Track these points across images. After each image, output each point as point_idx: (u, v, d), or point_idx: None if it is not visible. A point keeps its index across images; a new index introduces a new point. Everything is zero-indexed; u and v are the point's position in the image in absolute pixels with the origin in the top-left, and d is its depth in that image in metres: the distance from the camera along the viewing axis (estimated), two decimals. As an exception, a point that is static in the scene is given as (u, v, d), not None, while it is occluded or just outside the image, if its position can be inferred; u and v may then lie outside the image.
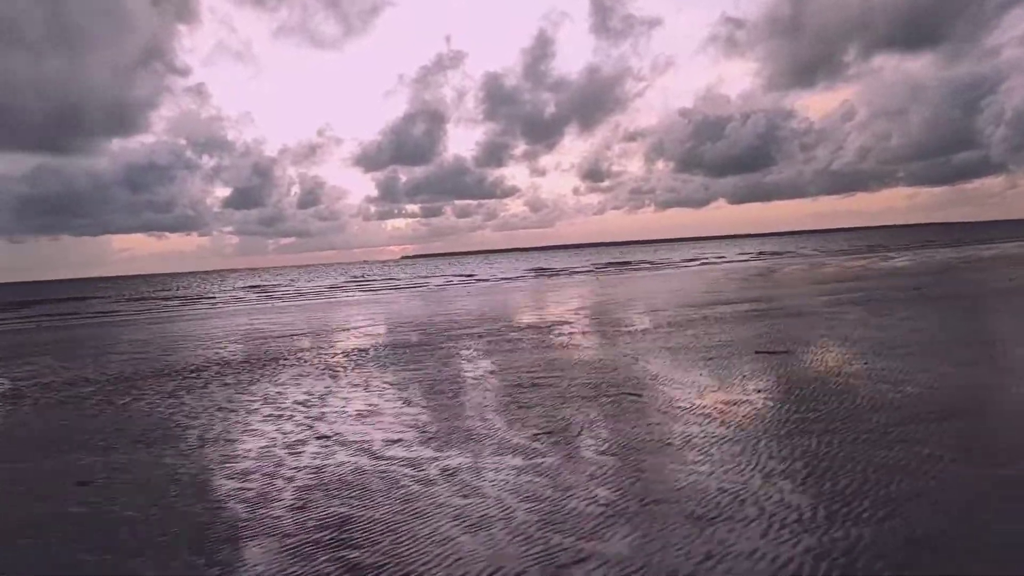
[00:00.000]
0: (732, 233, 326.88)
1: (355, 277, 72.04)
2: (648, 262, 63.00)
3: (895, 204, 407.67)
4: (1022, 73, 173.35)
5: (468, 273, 63.40)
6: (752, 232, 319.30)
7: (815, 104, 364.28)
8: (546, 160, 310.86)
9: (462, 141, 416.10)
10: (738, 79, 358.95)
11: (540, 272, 55.13)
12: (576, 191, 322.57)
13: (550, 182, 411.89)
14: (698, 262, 55.15)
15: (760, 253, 68.42)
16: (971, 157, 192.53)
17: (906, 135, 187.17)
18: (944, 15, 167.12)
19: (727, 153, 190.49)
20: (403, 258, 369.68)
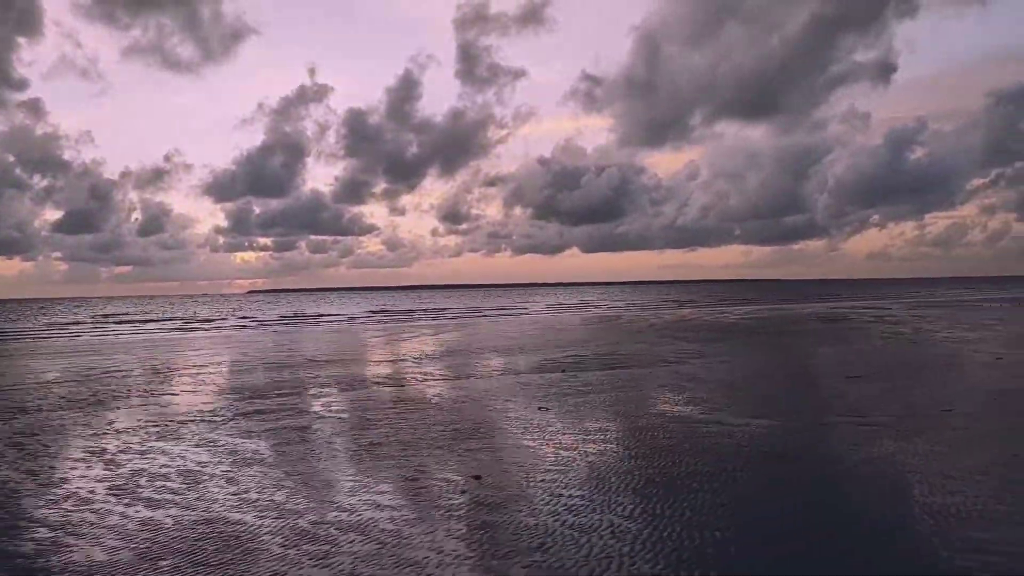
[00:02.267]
0: (584, 280, 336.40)
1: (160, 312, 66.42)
2: (503, 309, 61.81)
3: (733, 260, 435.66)
4: (843, 147, 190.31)
5: (302, 312, 59.78)
6: (603, 280, 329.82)
7: (664, 162, 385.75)
8: (406, 200, 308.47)
9: (321, 176, 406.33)
10: (595, 133, 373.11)
11: (380, 312, 52.73)
12: (435, 232, 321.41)
13: (409, 222, 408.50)
14: (547, 308, 54.79)
15: (576, 301, 69.60)
16: (799, 220, 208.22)
17: (743, 196, 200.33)
18: (779, 90, 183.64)
19: (582, 203, 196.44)
20: (250, 292, 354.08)
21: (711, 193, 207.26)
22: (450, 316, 46.12)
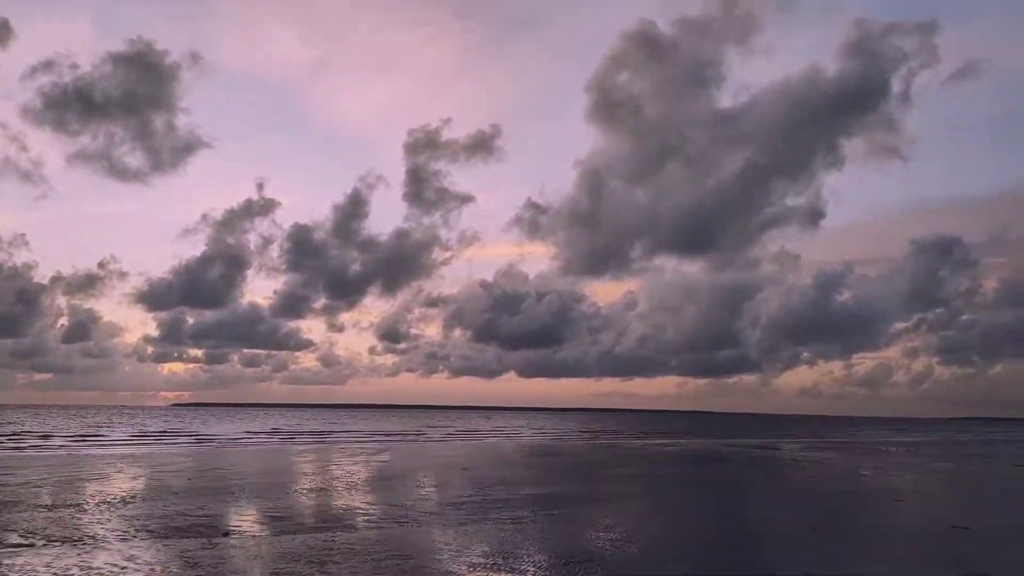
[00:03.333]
0: (521, 405, 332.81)
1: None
2: (401, 434, 59.09)
3: (668, 390, 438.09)
4: (775, 285, 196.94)
5: (187, 429, 56.10)
6: (539, 406, 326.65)
7: (603, 292, 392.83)
8: (346, 317, 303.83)
9: (261, 289, 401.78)
10: (538, 260, 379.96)
11: (268, 433, 49.63)
12: (372, 350, 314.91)
13: (347, 339, 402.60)
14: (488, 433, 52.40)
15: (490, 428, 67.56)
16: (733, 354, 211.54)
17: (679, 329, 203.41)
18: (716, 228, 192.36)
19: (522, 328, 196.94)
20: (174, 405, 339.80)
21: (649, 324, 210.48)
22: (330, 440, 43.54)
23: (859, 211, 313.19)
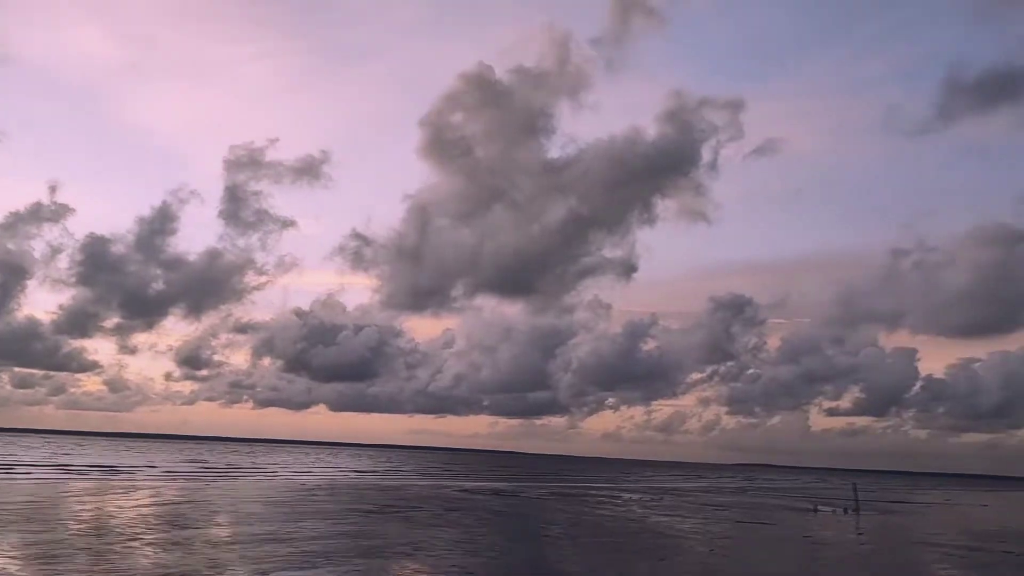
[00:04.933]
0: (328, 440, 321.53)
1: None
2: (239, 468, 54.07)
3: (479, 430, 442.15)
4: (588, 332, 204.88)
5: None
6: (348, 441, 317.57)
7: (422, 328, 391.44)
8: (141, 338, 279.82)
9: (43, 303, 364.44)
10: (358, 292, 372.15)
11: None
12: (169, 376, 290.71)
13: (140, 362, 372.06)
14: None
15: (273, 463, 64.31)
16: (543, 397, 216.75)
17: (495, 369, 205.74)
18: (536, 273, 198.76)
19: (336, 360, 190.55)
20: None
21: (465, 362, 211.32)
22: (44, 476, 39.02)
23: (667, 267, 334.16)
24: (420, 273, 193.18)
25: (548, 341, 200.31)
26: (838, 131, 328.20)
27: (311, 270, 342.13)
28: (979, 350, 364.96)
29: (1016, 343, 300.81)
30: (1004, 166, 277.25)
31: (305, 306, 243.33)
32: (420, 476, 61.08)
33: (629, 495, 43.60)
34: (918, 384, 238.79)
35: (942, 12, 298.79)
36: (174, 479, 40.56)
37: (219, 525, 19.48)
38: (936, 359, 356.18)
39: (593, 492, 46.32)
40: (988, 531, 29.70)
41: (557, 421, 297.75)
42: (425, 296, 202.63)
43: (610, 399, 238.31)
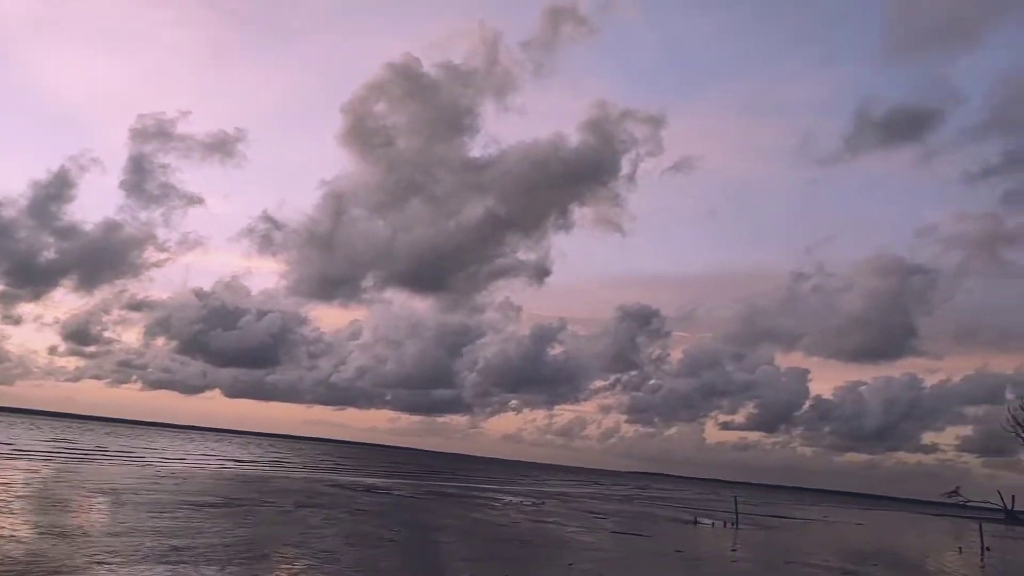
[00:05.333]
0: (221, 427, 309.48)
1: None
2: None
3: (379, 424, 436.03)
4: (496, 333, 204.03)
5: None
6: (243, 429, 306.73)
7: (328, 317, 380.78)
8: (27, 308, 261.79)
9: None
10: (265, 276, 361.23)
11: None
12: (53, 350, 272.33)
13: (24, 334, 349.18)
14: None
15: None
16: (447, 394, 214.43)
17: (400, 363, 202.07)
18: (449, 270, 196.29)
19: (236, 345, 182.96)
20: None
21: (370, 355, 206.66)
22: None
23: (579, 273, 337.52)
24: (331, 261, 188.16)
25: (456, 339, 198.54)
26: (753, 154, 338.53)
27: (216, 250, 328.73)
28: (866, 374, 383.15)
29: (900, 370, 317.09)
30: (903, 201, 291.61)
31: (207, 287, 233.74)
32: (302, 468, 58.19)
33: (512, 498, 41.97)
34: (808, 403, 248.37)
35: (858, 50, 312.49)
36: (17, 459, 36.52)
37: (10, 513, 16.57)
38: (826, 380, 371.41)
39: (476, 493, 44.51)
40: (862, 551, 29.31)
41: (459, 420, 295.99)
42: (334, 285, 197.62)
43: (513, 401, 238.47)
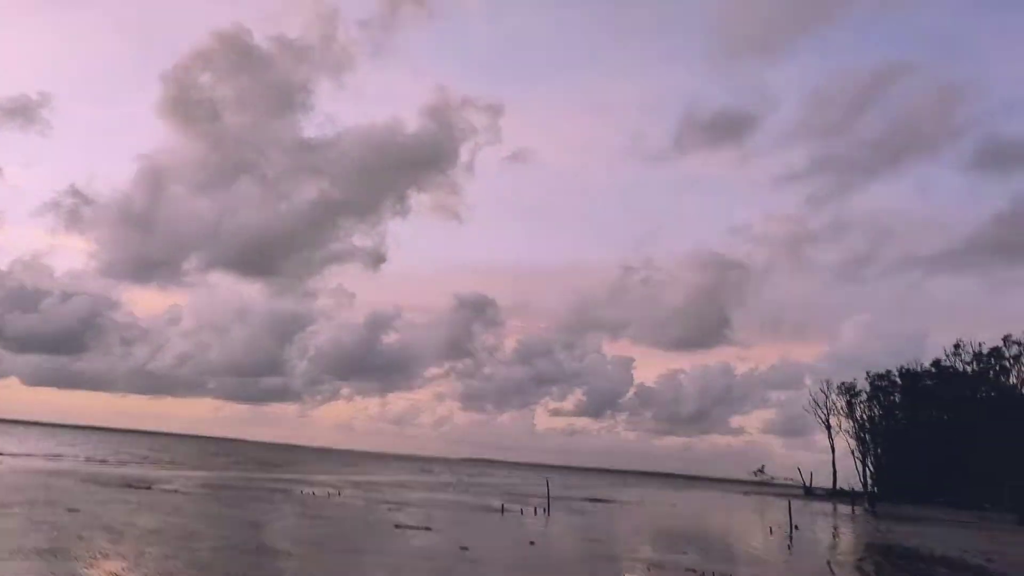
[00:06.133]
0: (17, 417, 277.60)
1: None
2: None
3: (202, 414, 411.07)
4: (329, 320, 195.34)
5: None
6: (43, 420, 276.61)
7: (145, 301, 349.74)
8: None
9: None
10: (72, 255, 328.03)
11: None
12: None
13: None
14: None
15: None
16: (276, 382, 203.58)
17: (225, 351, 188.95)
18: (280, 255, 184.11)
19: (36, 329, 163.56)
20: None
21: (192, 342, 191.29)
22: None
23: (416, 261, 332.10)
24: (147, 242, 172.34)
25: (286, 326, 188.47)
26: (587, 148, 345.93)
27: (15, 226, 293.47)
28: (686, 362, 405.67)
29: (715, 358, 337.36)
30: (722, 200, 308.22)
31: (3, 266, 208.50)
32: (74, 460, 50.38)
33: (311, 490, 37.24)
34: (632, 390, 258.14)
35: (687, 52, 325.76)
36: None
37: None
38: (649, 368, 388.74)
39: (273, 486, 39.36)
40: (674, 534, 27.39)
41: (289, 408, 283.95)
42: (151, 267, 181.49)
43: (346, 389, 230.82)
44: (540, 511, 33.46)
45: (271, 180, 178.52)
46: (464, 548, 17.75)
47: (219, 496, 29.78)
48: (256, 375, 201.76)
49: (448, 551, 17.25)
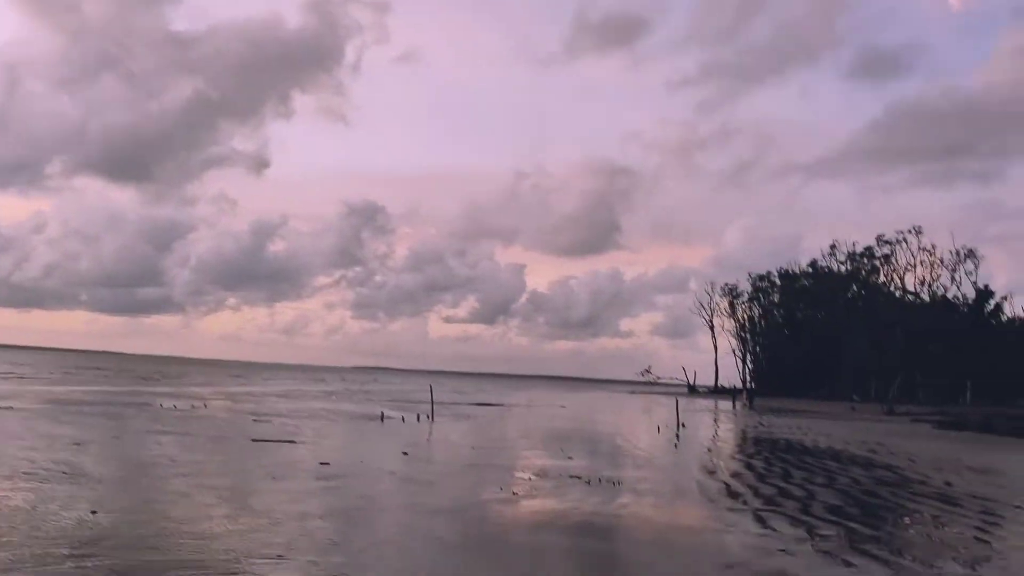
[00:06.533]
0: None
1: None
2: None
3: (74, 327, 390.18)
4: (210, 228, 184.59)
5: None
6: None
7: (5, 207, 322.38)
8: None
9: None
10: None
11: None
12: None
13: None
14: None
15: None
16: (155, 293, 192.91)
17: (97, 261, 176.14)
18: (154, 158, 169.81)
19: None
20: None
21: (60, 251, 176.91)
22: None
23: (301, 166, 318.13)
24: (3, 143, 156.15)
25: (163, 234, 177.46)
26: (477, 51, 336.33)
27: None
28: (577, 268, 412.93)
29: (606, 263, 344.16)
30: (615, 105, 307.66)
31: None
32: None
33: (175, 403, 34.09)
34: (524, 296, 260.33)
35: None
36: None
37: None
38: (542, 274, 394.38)
39: (135, 400, 35.80)
40: (559, 436, 26.27)
41: (170, 320, 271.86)
42: (10, 171, 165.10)
43: (231, 299, 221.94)
44: (424, 418, 31.83)
45: (139, 77, 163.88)
46: (324, 463, 15.60)
47: (60, 413, 26.39)
48: (132, 286, 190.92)
49: (305, 468, 15.06)
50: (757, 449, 22.93)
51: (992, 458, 22.58)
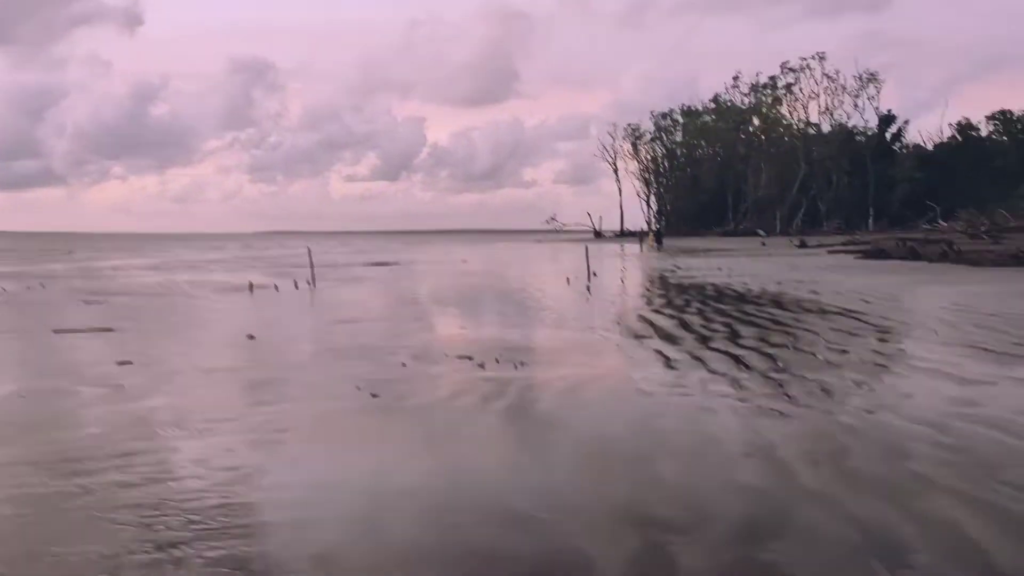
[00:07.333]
0: None
1: None
2: None
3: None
4: (84, 92, 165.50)
5: None
6: None
7: None
8: None
9: None
10: None
11: None
12: None
13: None
14: None
15: None
16: (31, 166, 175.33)
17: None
18: (11, 17, 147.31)
19: None
20: None
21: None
22: None
23: (180, 22, 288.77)
24: None
25: (32, 101, 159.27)
26: None
27: None
28: (477, 119, 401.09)
29: (506, 112, 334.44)
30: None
31: None
32: None
33: (7, 284, 28.57)
34: (425, 151, 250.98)
35: None
36: None
37: None
38: (442, 127, 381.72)
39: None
40: (458, 297, 22.73)
41: (52, 193, 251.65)
42: None
43: (116, 168, 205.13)
44: (305, 284, 27.65)
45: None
46: (125, 362, 11.37)
47: None
48: (6, 159, 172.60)
49: (97, 372, 10.81)
50: (685, 300, 19.86)
51: (950, 291, 20.12)
